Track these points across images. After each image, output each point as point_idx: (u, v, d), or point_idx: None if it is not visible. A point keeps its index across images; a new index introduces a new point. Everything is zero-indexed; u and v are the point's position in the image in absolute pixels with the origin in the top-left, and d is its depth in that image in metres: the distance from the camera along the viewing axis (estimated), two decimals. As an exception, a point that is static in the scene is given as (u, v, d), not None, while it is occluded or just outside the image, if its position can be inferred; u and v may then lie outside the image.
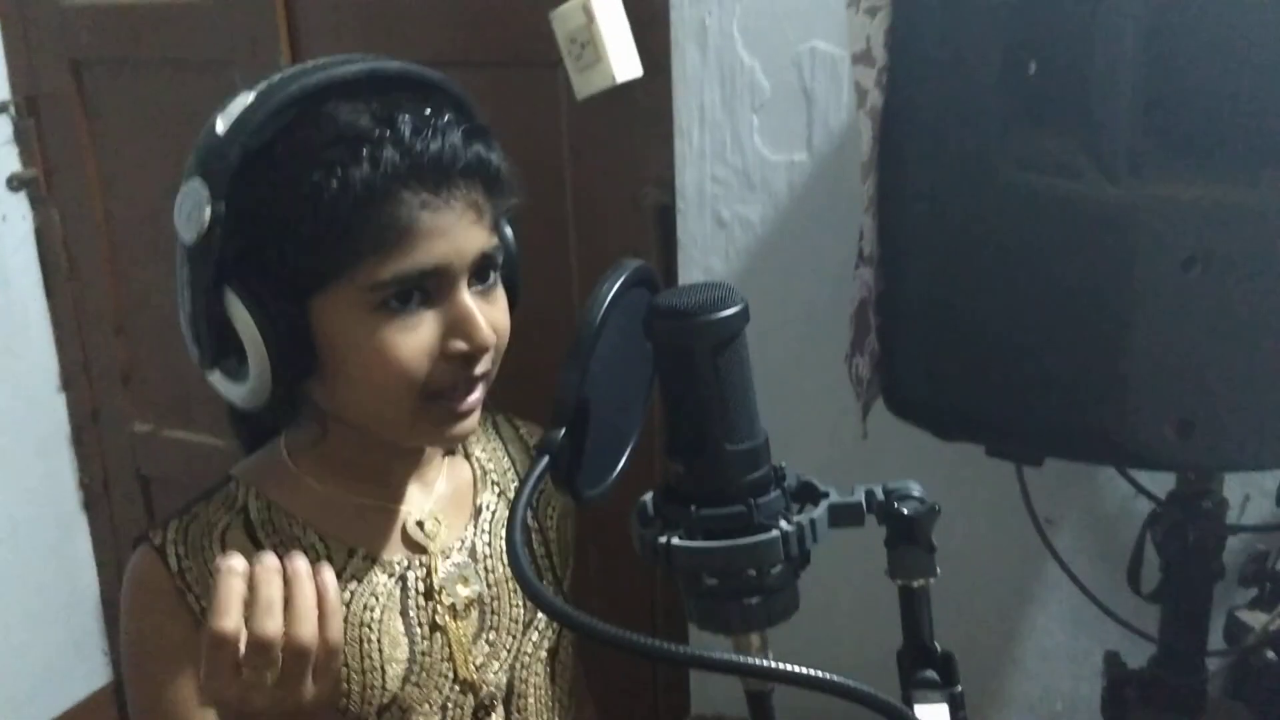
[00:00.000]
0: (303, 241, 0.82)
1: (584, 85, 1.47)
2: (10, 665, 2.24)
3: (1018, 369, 0.96)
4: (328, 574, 0.77)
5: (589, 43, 1.44)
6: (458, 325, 0.86)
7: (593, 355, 0.67)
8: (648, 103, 1.60)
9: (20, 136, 2.18)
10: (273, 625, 0.73)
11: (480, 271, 0.89)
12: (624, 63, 1.45)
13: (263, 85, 0.84)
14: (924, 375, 1.05)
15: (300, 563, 0.76)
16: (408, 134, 0.82)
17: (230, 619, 0.73)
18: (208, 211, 0.82)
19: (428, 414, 0.88)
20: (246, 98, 0.84)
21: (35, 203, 2.22)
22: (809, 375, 1.52)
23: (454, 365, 0.87)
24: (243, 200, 0.82)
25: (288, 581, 0.75)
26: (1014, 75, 0.92)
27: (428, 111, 0.85)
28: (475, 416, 0.91)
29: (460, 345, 0.86)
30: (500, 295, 0.92)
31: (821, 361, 1.40)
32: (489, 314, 0.88)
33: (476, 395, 0.90)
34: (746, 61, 1.50)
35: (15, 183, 2.18)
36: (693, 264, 1.60)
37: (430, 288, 0.86)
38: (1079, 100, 0.89)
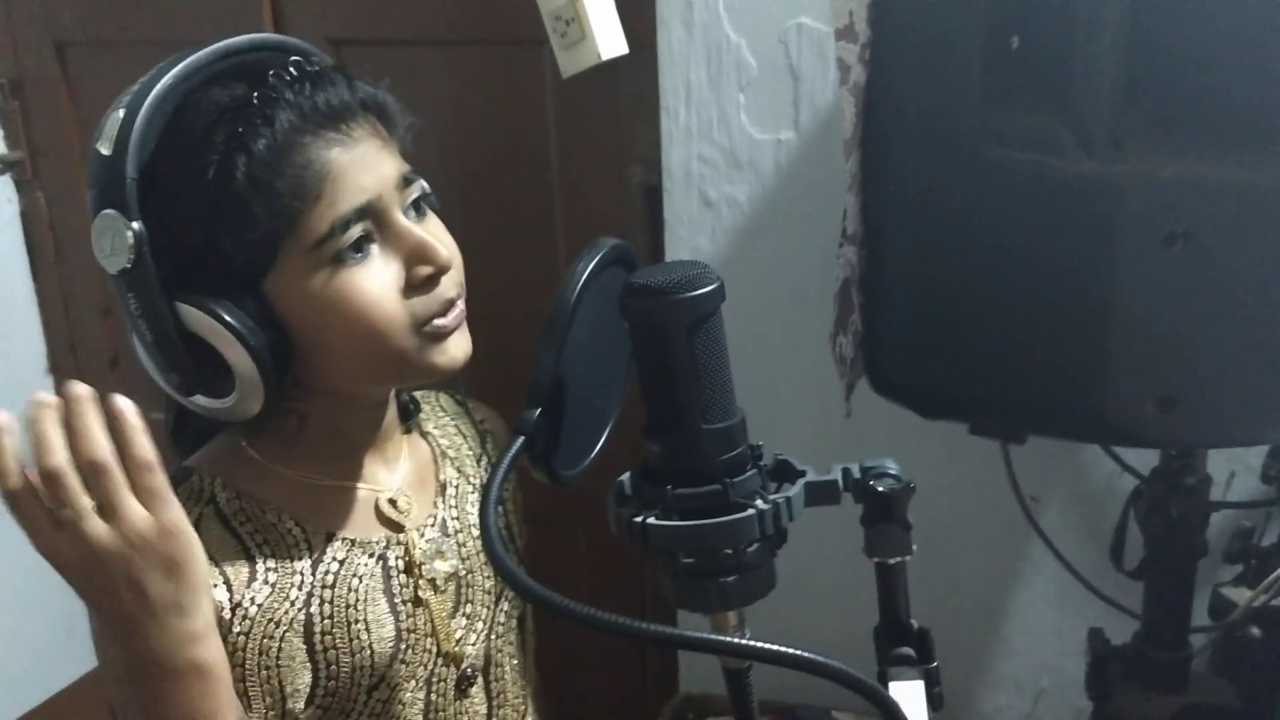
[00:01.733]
0: (232, 226, 0.82)
1: (569, 63, 1.46)
2: (0, 649, 2.24)
3: (1000, 346, 0.96)
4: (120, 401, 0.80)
5: (574, 20, 1.43)
6: (414, 253, 0.86)
7: (568, 335, 0.66)
8: (634, 81, 1.59)
9: (5, 119, 2.17)
10: (55, 458, 0.77)
11: (414, 203, 0.89)
12: (609, 40, 1.44)
13: (127, 98, 0.84)
14: (907, 354, 1.05)
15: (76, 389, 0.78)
16: (287, 90, 0.83)
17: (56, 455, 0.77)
18: (129, 236, 0.81)
19: (428, 340, 0.88)
20: (118, 115, 0.83)
21: (21, 186, 2.21)
22: (795, 354, 1.52)
23: (426, 292, 0.87)
24: (157, 212, 0.82)
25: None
26: (997, 50, 0.91)
27: (294, 64, 0.85)
28: (466, 336, 0.91)
29: (424, 270, 0.87)
30: (437, 221, 0.92)
31: (808, 341, 1.40)
32: (438, 237, 0.89)
33: (458, 310, 0.90)
34: (733, 39, 1.49)
35: (0, 166, 2.17)
36: (680, 244, 1.60)
37: (370, 227, 0.86)
38: (1061, 75, 0.89)
